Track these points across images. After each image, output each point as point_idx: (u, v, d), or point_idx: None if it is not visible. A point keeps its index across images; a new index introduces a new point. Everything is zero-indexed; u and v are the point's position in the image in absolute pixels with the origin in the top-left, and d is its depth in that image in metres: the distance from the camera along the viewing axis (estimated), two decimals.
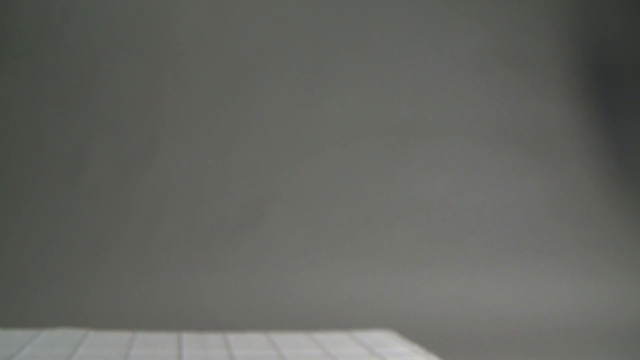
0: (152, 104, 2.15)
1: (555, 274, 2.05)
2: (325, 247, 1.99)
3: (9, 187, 1.98)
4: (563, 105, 2.37)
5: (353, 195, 2.13)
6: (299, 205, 2.09)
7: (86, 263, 1.88)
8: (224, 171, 2.11)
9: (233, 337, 1.12)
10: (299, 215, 2.06)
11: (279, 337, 1.14)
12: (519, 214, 2.19)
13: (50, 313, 1.71)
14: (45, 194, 1.98)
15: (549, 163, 2.28)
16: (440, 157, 2.22)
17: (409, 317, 1.66)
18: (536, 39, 2.39)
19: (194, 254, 1.92)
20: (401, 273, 1.96)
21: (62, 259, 1.88)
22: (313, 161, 2.15)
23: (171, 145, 2.12)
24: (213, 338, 1.11)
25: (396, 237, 2.07)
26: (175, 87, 2.16)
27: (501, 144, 2.27)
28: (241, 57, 2.22)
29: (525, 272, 2.05)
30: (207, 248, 1.95)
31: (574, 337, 1.68)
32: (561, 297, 1.97)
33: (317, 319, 1.63)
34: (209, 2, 2.21)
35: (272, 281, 1.87)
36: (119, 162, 2.05)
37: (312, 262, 1.94)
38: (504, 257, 2.08)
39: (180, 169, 2.09)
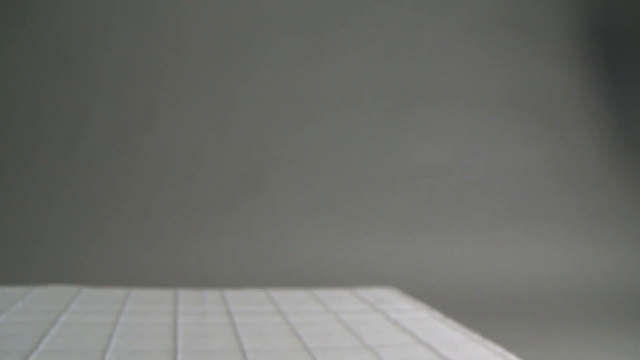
0: (150, 68, 2.10)
1: (557, 239, 2.03)
2: (326, 211, 1.97)
3: (7, 153, 1.94)
4: (567, 70, 2.32)
5: (354, 159, 2.09)
6: (299, 169, 2.05)
7: (85, 228, 1.86)
8: (224, 136, 2.08)
9: (230, 294, 1.09)
10: (299, 179, 2.02)
11: (278, 294, 1.11)
12: (521, 179, 2.16)
13: (49, 276, 1.68)
14: (44, 160, 1.94)
15: (551, 128, 2.24)
16: (442, 122, 2.18)
17: (410, 280, 1.63)
18: (540, 2, 2.34)
19: (194, 218, 1.89)
20: (403, 237, 1.93)
21: (61, 224, 1.86)
22: (314, 125, 2.12)
23: (170, 110, 2.07)
24: (210, 294, 1.08)
25: (398, 201, 2.04)
26: (174, 52, 2.11)
27: (504, 109, 2.23)
28: (240, 22, 2.17)
29: (526, 236, 2.03)
30: (207, 212, 1.92)
31: (574, 301, 1.66)
32: (562, 261, 1.95)
33: (317, 279, 1.60)
34: None
35: (273, 244, 1.84)
36: (118, 127, 2.02)
37: (313, 226, 1.91)
38: (506, 222, 2.05)
39: (179, 133, 2.05)
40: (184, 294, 1.08)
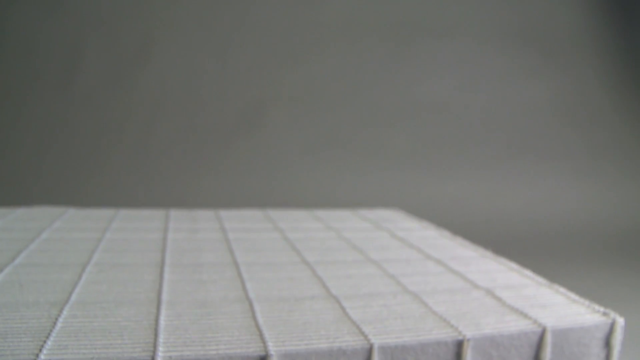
0: (146, 3, 2.00)
1: (560, 176, 1.97)
2: (328, 147, 1.90)
3: (4, 90, 1.87)
4: (573, 5, 2.22)
5: (355, 95, 2.02)
6: (301, 105, 1.97)
7: (83, 164, 1.79)
8: (223, 72, 1.98)
9: (225, 213, 1.03)
10: (300, 115, 1.95)
11: (276, 213, 1.04)
12: (524, 116, 2.09)
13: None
14: (40, 99, 1.87)
15: (556, 65, 2.16)
16: (445, 57, 2.09)
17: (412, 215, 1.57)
18: None
19: (193, 154, 1.83)
20: (405, 173, 1.87)
21: (58, 160, 1.79)
22: (315, 61, 2.03)
23: (167, 47, 1.98)
24: (203, 213, 1.02)
25: (400, 137, 1.97)
26: None
27: (508, 44, 2.13)
28: None
29: (529, 172, 1.97)
30: (207, 148, 1.85)
31: (576, 237, 1.62)
32: (565, 197, 1.90)
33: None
34: None
35: (274, 180, 1.78)
36: (114, 63, 1.93)
37: (315, 162, 1.85)
38: (509, 158, 2.00)
39: (177, 71, 1.96)
40: (176, 213, 1.01)
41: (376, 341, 0.47)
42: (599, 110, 2.14)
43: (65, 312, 0.51)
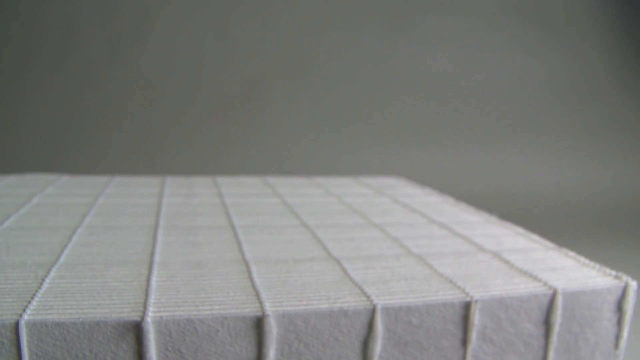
0: None
1: (562, 152, 1.95)
2: (327, 122, 1.87)
3: (1, 68, 1.83)
4: None
5: (355, 70, 1.98)
6: (300, 79, 1.94)
7: (81, 140, 1.77)
8: (223, 47, 1.95)
9: (223, 179, 1.00)
10: (300, 90, 1.91)
11: (275, 180, 1.02)
12: (526, 92, 2.06)
13: None
14: (39, 73, 1.83)
15: (559, 40, 2.12)
16: (445, 32, 2.06)
17: None
18: None
19: (194, 128, 1.80)
20: (404, 147, 1.84)
21: (57, 137, 1.77)
22: (315, 36, 1.99)
23: (166, 20, 1.94)
24: (200, 180, 0.99)
25: (399, 113, 1.94)
26: None
27: (510, 19, 2.10)
28: None
29: (531, 149, 1.94)
30: (207, 123, 1.82)
31: (577, 213, 1.60)
32: (566, 174, 1.87)
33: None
34: None
35: (273, 153, 1.75)
36: (113, 37, 1.89)
37: (315, 135, 1.82)
38: (510, 134, 1.97)
39: (176, 45, 1.92)
40: (172, 179, 0.99)
41: (379, 302, 0.44)
42: (601, 85, 2.11)
43: (52, 273, 0.49)
